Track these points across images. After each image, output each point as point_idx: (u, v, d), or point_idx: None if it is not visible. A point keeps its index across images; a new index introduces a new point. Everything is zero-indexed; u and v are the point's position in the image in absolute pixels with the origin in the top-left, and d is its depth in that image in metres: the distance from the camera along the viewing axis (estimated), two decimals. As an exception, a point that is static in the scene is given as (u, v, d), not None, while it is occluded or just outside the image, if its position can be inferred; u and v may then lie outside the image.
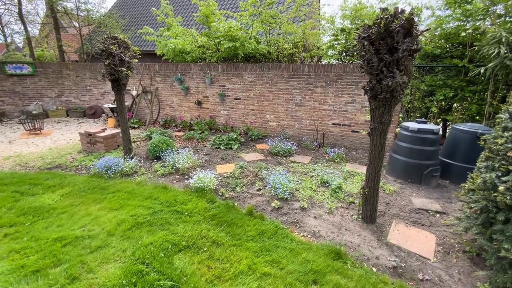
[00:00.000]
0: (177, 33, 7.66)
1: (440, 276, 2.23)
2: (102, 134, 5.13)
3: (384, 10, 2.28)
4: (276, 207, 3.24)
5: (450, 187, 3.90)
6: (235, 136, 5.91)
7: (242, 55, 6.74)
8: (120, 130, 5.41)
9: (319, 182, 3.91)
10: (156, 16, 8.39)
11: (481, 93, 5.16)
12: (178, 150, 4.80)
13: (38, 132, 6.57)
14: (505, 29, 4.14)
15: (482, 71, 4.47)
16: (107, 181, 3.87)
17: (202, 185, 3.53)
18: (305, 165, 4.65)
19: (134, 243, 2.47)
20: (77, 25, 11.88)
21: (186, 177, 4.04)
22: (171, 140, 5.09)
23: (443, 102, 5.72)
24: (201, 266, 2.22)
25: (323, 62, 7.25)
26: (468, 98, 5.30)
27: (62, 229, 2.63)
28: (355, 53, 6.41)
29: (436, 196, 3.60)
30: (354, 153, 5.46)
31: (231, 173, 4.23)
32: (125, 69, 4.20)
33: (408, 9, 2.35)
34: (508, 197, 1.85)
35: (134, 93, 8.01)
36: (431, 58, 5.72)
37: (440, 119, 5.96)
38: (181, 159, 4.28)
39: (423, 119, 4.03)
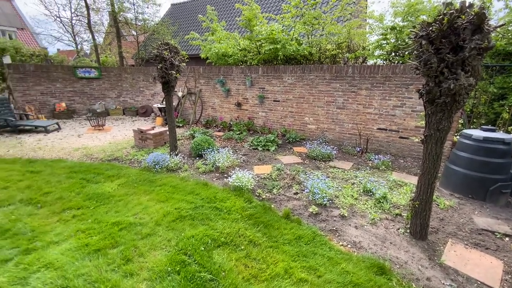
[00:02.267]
0: (221, 37, 8.01)
1: (509, 310, 1.92)
2: (152, 132, 5.61)
3: (448, 4, 2.06)
4: (313, 212, 3.16)
5: (523, 207, 3.33)
6: (273, 138, 5.93)
7: (283, 57, 6.73)
8: (166, 129, 5.86)
9: (361, 190, 3.69)
10: (202, 22, 8.90)
11: None
12: (218, 150, 5.00)
13: (101, 128, 7.49)
14: None
15: None
16: (155, 175, 4.22)
17: (240, 184, 3.62)
18: (345, 171, 4.44)
19: (178, 234, 2.64)
20: (135, 33, 13.24)
21: (225, 175, 4.19)
22: (212, 139, 5.33)
23: (516, 108, 4.91)
24: (238, 264, 2.27)
25: (368, 63, 6.84)
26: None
27: (119, 215, 2.96)
28: (406, 53, 5.91)
29: (506, 217, 3.10)
30: (402, 161, 5.02)
31: (268, 174, 4.25)
32: (174, 72, 4.54)
33: (477, 2, 2.08)
34: None
35: (180, 94, 8.60)
36: (502, 57, 4.97)
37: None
38: (221, 158, 4.45)
39: (490, 127, 3.51)
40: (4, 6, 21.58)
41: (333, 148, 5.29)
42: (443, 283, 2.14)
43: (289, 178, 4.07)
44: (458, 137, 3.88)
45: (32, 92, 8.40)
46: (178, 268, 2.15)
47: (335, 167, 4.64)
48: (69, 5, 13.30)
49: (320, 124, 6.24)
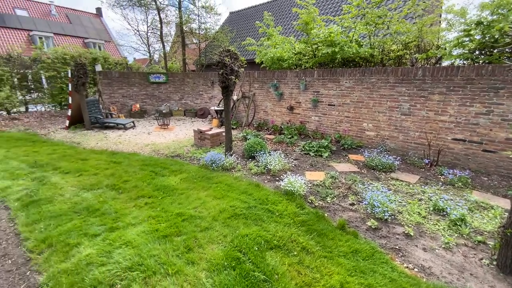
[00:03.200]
0: (276, 42, 8.13)
1: None
2: (210, 132, 6.04)
3: None
4: (372, 227, 2.92)
5: None
6: (326, 143, 5.71)
7: (340, 59, 6.44)
8: (222, 130, 6.22)
9: (431, 208, 3.25)
10: (258, 28, 9.19)
11: None
12: (270, 152, 5.07)
13: (166, 127, 8.41)
14: None
15: None
16: (212, 172, 4.51)
17: (292, 189, 3.59)
18: (410, 185, 3.98)
19: (233, 231, 2.77)
20: (197, 41, 14.48)
21: (277, 178, 4.22)
22: (264, 142, 5.43)
23: None
24: (291, 269, 2.26)
25: (443, 64, 6.01)
26: None
27: (181, 207, 3.26)
28: (495, 52, 4.98)
29: None
30: (485, 178, 4.25)
31: (321, 181, 4.11)
32: (234, 77, 4.80)
33: None
34: None
35: (235, 98, 9.03)
36: None
37: None
38: (272, 161, 4.50)
39: None
40: (95, 22, 26.28)
41: (396, 158, 4.80)
42: (548, 336, 1.72)
43: (345, 187, 3.86)
44: None
45: (115, 95, 9.98)
46: (233, 264, 2.26)
47: (397, 179, 4.21)
48: (146, 20, 15.35)
49: (381, 131, 5.74)
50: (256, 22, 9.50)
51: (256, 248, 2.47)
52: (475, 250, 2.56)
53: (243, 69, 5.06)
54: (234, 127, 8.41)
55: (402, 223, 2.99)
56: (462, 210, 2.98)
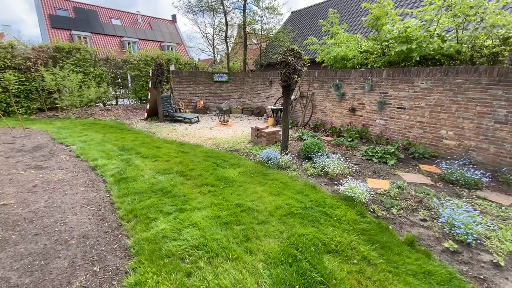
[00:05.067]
0: (341, 40, 7.75)
1: None
2: (267, 130, 6.18)
3: None
4: (450, 249, 2.55)
5: None
6: (393, 150, 5.19)
7: (417, 58, 5.73)
8: (278, 128, 6.29)
9: (534, 239, 2.64)
10: (321, 26, 8.90)
11: None
12: (327, 155, 4.90)
13: (225, 123, 8.96)
14: None
15: None
16: (267, 169, 4.62)
17: (353, 195, 3.40)
18: (503, 207, 3.31)
19: (289, 229, 2.80)
20: (257, 42, 14.91)
21: (335, 182, 4.06)
22: (322, 143, 5.27)
23: None
24: (350, 277, 2.16)
25: None
26: None
27: (240, 198, 3.45)
28: None
29: None
30: None
31: (385, 190, 3.78)
32: (296, 77, 4.79)
33: None
34: None
35: (292, 97, 8.99)
36: None
37: None
38: (331, 164, 4.34)
39: None
40: (170, 27, 29.66)
41: (484, 173, 4.04)
42: None
43: (414, 200, 3.45)
44: None
45: (184, 92, 11.11)
46: (290, 261, 2.28)
47: (485, 198, 3.54)
48: (213, 23, 16.57)
49: (464, 141, 4.91)
50: (320, 21, 9.23)
51: (313, 249, 2.44)
52: None
53: (305, 68, 5.00)
54: (290, 126, 8.38)
55: (490, 250, 2.52)
56: None
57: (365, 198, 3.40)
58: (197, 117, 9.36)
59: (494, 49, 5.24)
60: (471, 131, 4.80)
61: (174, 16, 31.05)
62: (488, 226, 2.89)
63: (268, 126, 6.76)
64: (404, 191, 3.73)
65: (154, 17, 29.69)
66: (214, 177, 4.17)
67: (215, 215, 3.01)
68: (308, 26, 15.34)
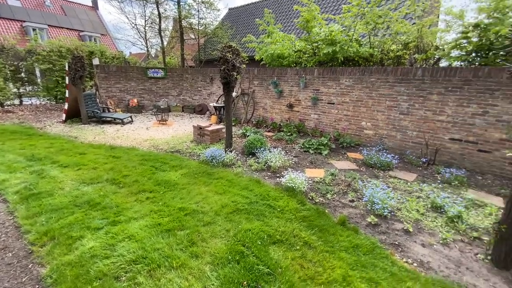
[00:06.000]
0: (277, 39, 8.13)
1: None
2: (210, 128, 6.03)
3: None
4: (372, 223, 2.98)
5: None
6: (325, 141, 5.76)
7: (342, 58, 6.48)
8: (222, 126, 6.22)
9: (429, 206, 3.33)
10: (259, 25, 9.17)
11: None
12: (270, 149, 5.10)
13: (164, 122, 8.36)
14: None
15: None
16: (212, 168, 4.52)
17: (293, 185, 3.63)
18: (409, 183, 4.06)
19: (235, 226, 2.80)
20: (195, 37, 14.37)
21: (277, 175, 4.26)
22: (264, 139, 5.46)
23: None
24: (294, 263, 2.30)
25: (442, 64, 6.11)
26: None
27: (183, 202, 3.27)
28: (491, 54, 5.08)
29: None
30: (480, 178, 4.35)
31: (321, 178, 4.16)
32: (235, 74, 4.80)
33: None
34: None
35: (234, 94, 9.00)
36: None
37: None
38: (273, 158, 4.54)
39: None
40: (91, 15, 25.83)
41: (394, 156, 4.87)
42: (541, 327, 1.80)
43: (344, 185, 3.91)
44: None
45: (113, 89, 9.86)
46: (237, 258, 2.29)
47: (396, 177, 4.28)
48: (144, 14, 15.15)
49: (379, 130, 5.82)
50: (256, 19, 9.47)
51: (259, 243, 2.51)
52: (471, 245, 2.64)
53: (244, 66, 5.06)
54: (233, 124, 8.40)
55: (401, 220, 3.06)
56: (459, 207, 3.06)
57: (304, 187, 3.67)
58: (130, 116, 8.46)
59: (398, 53, 6.35)
60: (383, 122, 5.72)
61: (95, 2, 27.08)
62: (398, 199, 3.50)
63: (211, 124, 6.61)
64: (336, 177, 4.19)
65: (68, 1, 25.24)
66: (153, 182, 3.84)
67: (155, 223, 2.78)
68: (246, 24, 15.57)
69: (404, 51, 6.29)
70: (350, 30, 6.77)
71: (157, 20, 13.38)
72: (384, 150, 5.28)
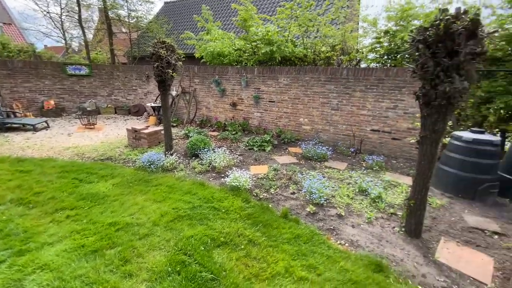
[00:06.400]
0: (216, 37, 7.98)
1: (500, 304, 2.00)
2: (146, 131, 5.53)
3: (443, 10, 2.14)
4: (311, 212, 3.20)
5: (510, 206, 3.48)
6: (268, 138, 5.95)
7: (279, 58, 6.77)
8: (161, 128, 5.79)
9: (357, 190, 3.76)
10: (197, 22, 8.85)
11: (552, 102, 4.51)
12: (214, 149, 4.98)
13: (92, 126, 7.31)
14: None
15: (555, 76, 3.91)
16: (150, 174, 4.16)
17: (238, 184, 3.62)
18: (340, 172, 4.51)
19: (176, 234, 2.62)
20: (127, 31, 13.01)
21: (222, 175, 4.18)
22: (208, 139, 5.30)
23: (501, 111, 5.12)
24: (239, 263, 2.28)
25: (362, 66, 6.98)
26: (535, 107, 4.68)
27: (115, 215, 2.90)
28: (398, 56, 6.06)
29: (494, 215, 3.23)
30: (394, 162, 5.15)
31: (264, 174, 4.27)
32: (171, 71, 4.50)
33: (468, 9, 2.16)
34: None
35: (174, 93, 8.50)
36: (490, 62, 5.16)
37: (497, 129, 5.34)
38: (217, 158, 4.44)
39: (479, 129, 3.66)
40: (-12, -1, 20.83)
41: (328, 148, 5.36)
42: (438, 279, 2.21)
43: (286, 178, 4.10)
44: (448, 139, 4.02)
45: (20, 89, 8.12)
46: (178, 268, 2.14)
47: (330, 167, 4.71)
48: (59, 0, 12.93)
49: (315, 125, 6.31)
50: (194, 15, 9.12)
51: (203, 248, 2.40)
52: (389, 221, 3.08)
53: (181, 63, 4.79)
54: (175, 124, 7.94)
55: (335, 206, 3.37)
56: (379, 189, 3.54)
57: (249, 185, 3.70)
58: (46, 121, 7.13)
59: (327, 54, 6.98)
60: (318, 117, 6.23)
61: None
62: (333, 187, 3.85)
63: (148, 126, 6.09)
64: (279, 172, 4.36)
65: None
66: (75, 197, 3.30)
67: (77, 246, 2.37)
68: (184, 20, 14.86)
69: (332, 52, 6.97)
70: (286, 31, 7.13)
71: (76, 8, 11.58)
72: (320, 143, 5.75)
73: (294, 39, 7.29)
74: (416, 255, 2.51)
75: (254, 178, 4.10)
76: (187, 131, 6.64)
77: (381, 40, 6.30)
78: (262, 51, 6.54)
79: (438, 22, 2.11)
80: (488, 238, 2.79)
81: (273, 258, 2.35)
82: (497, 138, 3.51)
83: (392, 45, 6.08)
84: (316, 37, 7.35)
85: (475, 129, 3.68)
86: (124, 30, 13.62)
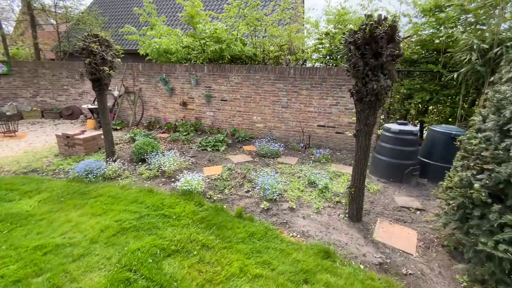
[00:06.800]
0: (161, 33, 7.50)
1: (422, 270, 2.34)
2: (82, 136, 4.90)
3: (368, 16, 2.38)
4: (265, 208, 3.26)
5: (428, 185, 4.12)
6: (222, 137, 5.87)
7: (229, 56, 6.72)
8: (101, 132, 5.20)
9: (307, 183, 3.98)
10: (139, 16, 8.16)
11: (454, 97, 5.50)
12: (163, 152, 4.69)
13: (13, 134, 6.15)
14: (476, 36, 4.45)
15: (455, 76, 4.77)
16: (88, 185, 3.70)
17: (190, 187, 3.47)
18: (292, 166, 4.71)
19: (120, 249, 2.38)
20: (54, 23, 11.29)
21: (172, 179, 3.96)
22: (156, 142, 4.96)
23: (420, 105, 6.03)
24: (192, 271, 2.18)
25: (308, 65, 7.41)
26: (442, 101, 5.64)
27: (42, 237, 2.48)
28: (339, 57, 6.61)
29: (416, 194, 3.79)
30: (339, 153, 5.61)
31: (219, 175, 4.19)
32: (107, 69, 4.05)
33: (389, 17, 2.47)
34: (483, 194, 1.99)
35: (116, 93, 7.72)
36: (409, 63, 6.02)
37: (417, 121, 6.28)
38: (167, 162, 4.18)
39: (403, 121, 4.22)
40: None
41: (280, 145, 5.55)
42: (375, 256, 2.48)
43: (240, 177, 4.10)
44: (381, 130, 4.55)
45: None
46: None
47: (282, 163, 4.88)
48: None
49: (268, 123, 6.47)
50: (135, 8, 8.38)
51: (151, 260, 2.23)
52: (335, 208, 3.34)
53: (119, 59, 4.35)
54: (119, 127, 7.23)
55: (288, 199, 3.50)
56: (325, 180, 3.81)
57: (201, 188, 3.59)
58: None
59: (276, 53, 7.20)
60: (270, 115, 6.40)
61: None
62: (285, 182, 4.00)
63: (85, 131, 5.40)
64: (233, 171, 4.34)
65: None
66: (-14, 220, 2.72)
67: (-12, 280, 1.96)
68: (124, 13, 13.58)
69: (280, 52, 7.22)
70: (234, 30, 7.10)
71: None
72: (273, 140, 5.92)
73: (243, 38, 7.31)
74: (358, 238, 2.77)
75: (208, 180, 3.99)
76: (132, 134, 6.11)
77: (323, 41, 6.78)
78: (211, 49, 6.39)
79: (364, 26, 2.34)
80: (412, 215, 3.25)
81: (227, 260, 2.31)
82: (416, 128, 4.11)
83: (333, 47, 6.60)
84: (264, 36, 7.50)
85: (400, 121, 4.23)
86: (54, 22, 11.76)
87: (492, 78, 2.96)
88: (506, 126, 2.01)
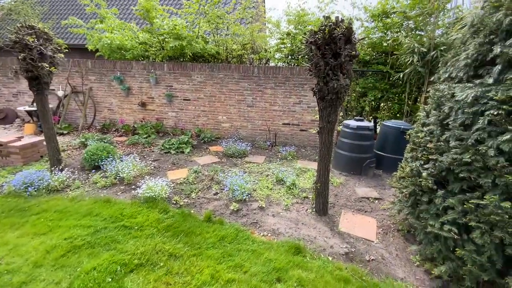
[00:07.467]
0: (113, 27, 6.87)
1: (382, 254, 2.54)
2: (18, 144, 4.23)
3: (327, 18, 2.47)
4: (235, 209, 3.20)
5: (383, 175, 4.50)
6: (187, 139, 5.62)
7: (190, 54, 6.46)
8: (43, 138, 4.56)
9: (275, 181, 4.02)
10: (85, 6, 7.35)
11: (400, 95, 6.11)
12: (121, 158, 4.30)
13: None
14: (417, 41, 4.99)
15: (400, 76, 5.30)
16: (29, 200, 3.20)
17: (153, 194, 3.24)
18: (260, 165, 4.73)
19: (71, 271, 2.09)
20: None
21: (133, 187, 3.65)
22: (112, 146, 4.53)
23: (373, 102, 6.57)
24: (158, 284, 2.02)
25: (271, 64, 7.51)
26: (391, 99, 6.23)
27: (-35, 268, 2.06)
28: (300, 57, 6.83)
29: (374, 185, 4.10)
30: (304, 150, 5.81)
31: (184, 178, 4.00)
32: (47, 65, 3.54)
33: (345, 20, 2.60)
34: (430, 181, 2.22)
35: (60, 93, 6.85)
36: (362, 64, 6.51)
37: (371, 117, 6.84)
38: (125, 167, 3.84)
39: (360, 117, 4.54)
40: None
41: (247, 144, 5.52)
42: (341, 247, 2.61)
43: (208, 179, 3.96)
44: (341, 127, 4.82)
45: None
46: (75, 314, 1.70)
47: (250, 162, 4.87)
48: None
49: (234, 122, 6.39)
50: (80, -3, 7.52)
51: (110, 279, 2.01)
52: (303, 204, 3.43)
53: (62, 55, 3.85)
54: (66, 132, 6.43)
55: (257, 199, 3.48)
56: (293, 177, 3.90)
57: (166, 193, 3.37)
58: None
59: (239, 52, 7.14)
60: (236, 115, 6.33)
61: None
62: (253, 181, 3.98)
63: (22, 137, 4.68)
64: (200, 173, 4.18)
65: None
66: None
67: None
68: (67, 3, 12.15)
69: (243, 51, 7.18)
70: (195, 27, 6.84)
71: None
72: (240, 140, 5.87)
73: (205, 36, 7.09)
74: (325, 231, 2.88)
75: (173, 184, 3.77)
76: (83, 139, 5.48)
77: (284, 41, 6.93)
78: (171, 45, 6.06)
79: (324, 27, 2.43)
80: (371, 204, 3.51)
81: (197, 268, 2.20)
82: (371, 124, 4.45)
83: (294, 47, 6.79)
84: (227, 35, 7.38)
85: (357, 117, 4.53)
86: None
87: (432, 78, 3.33)
88: (445, 120, 2.27)
